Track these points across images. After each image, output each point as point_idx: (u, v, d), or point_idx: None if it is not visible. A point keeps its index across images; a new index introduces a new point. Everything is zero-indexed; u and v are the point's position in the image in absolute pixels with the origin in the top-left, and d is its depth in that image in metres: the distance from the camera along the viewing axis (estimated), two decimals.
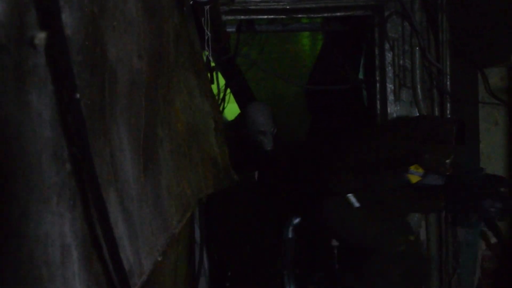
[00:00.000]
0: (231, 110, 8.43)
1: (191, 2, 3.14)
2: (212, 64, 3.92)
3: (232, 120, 5.62)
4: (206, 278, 3.94)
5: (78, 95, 0.99)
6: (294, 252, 5.14)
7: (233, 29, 4.81)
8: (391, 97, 4.28)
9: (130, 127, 1.69)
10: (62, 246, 1.06)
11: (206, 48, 3.31)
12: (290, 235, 5.03)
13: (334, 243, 5.08)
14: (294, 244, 5.12)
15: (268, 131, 4.87)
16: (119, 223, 1.51)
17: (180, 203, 2.43)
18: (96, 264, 1.30)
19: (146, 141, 1.90)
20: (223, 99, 5.02)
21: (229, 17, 4.38)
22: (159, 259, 1.86)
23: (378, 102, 4.44)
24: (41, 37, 0.90)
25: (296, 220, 5.00)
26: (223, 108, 5.15)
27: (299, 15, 4.45)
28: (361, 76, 5.21)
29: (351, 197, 3.88)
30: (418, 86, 4.20)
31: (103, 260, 1.32)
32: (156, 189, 2.06)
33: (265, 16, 4.44)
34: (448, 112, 4.08)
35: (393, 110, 4.28)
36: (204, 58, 3.43)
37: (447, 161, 3.32)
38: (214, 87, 4.18)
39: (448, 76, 4.04)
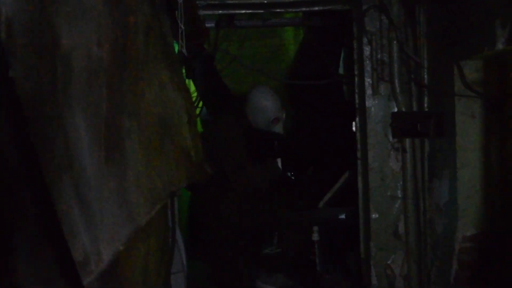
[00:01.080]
0: None
1: None
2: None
3: (227, 115, 5.48)
4: (185, 274, 3.92)
5: (11, 73, 0.97)
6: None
7: (212, 25, 4.79)
8: (369, 91, 4.28)
9: (88, 115, 1.67)
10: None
11: (180, 41, 3.29)
12: None
13: (315, 237, 5.10)
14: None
15: (281, 118, 4.74)
16: (74, 210, 1.49)
17: (150, 195, 2.42)
18: (46, 248, 1.29)
19: (108, 131, 1.89)
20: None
21: (207, 12, 4.37)
22: (121, 248, 1.85)
23: (356, 96, 4.44)
24: None
25: None
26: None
27: (277, 10, 4.43)
28: (341, 70, 5.21)
29: None
30: (396, 80, 4.20)
31: (54, 245, 1.31)
32: (121, 180, 2.04)
33: (243, 11, 4.43)
34: (426, 105, 4.08)
35: (371, 104, 4.28)
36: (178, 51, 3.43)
37: None
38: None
39: (426, 70, 4.05)
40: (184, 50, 3.44)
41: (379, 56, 4.24)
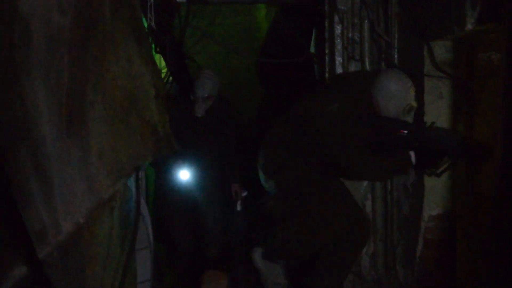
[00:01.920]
0: None
1: None
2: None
3: None
4: (151, 250, 3.90)
5: None
6: (244, 224, 5.14)
7: (184, 0, 4.72)
8: (339, 69, 4.26)
9: (48, 84, 1.64)
10: None
11: (149, 15, 3.25)
12: (239, 208, 5.02)
13: None
14: (243, 217, 5.12)
15: (199, 97, 4.70)
16: (31, 180, 1.46)
17: (114, 169, 2.39)
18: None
19: (70, 102, 1.85)
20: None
21: None
22: (82, 221, 1.82)
23: (327, 75, 4.43)
24: None
25: (245, 194, 4.99)
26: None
27: None
28: (312, 49, 5.18)
29: None
30: (367, 59, 4.19)
31: (8, 216, 1.28)
32: (83, 152, 2.01)
33: None
34: None
35: None
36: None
37: None
38: None
39: (396, 50, 4.04)
40: (153, 24, 3.40)
41: (350, 35, 4.22)
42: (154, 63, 3.13)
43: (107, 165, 2.30)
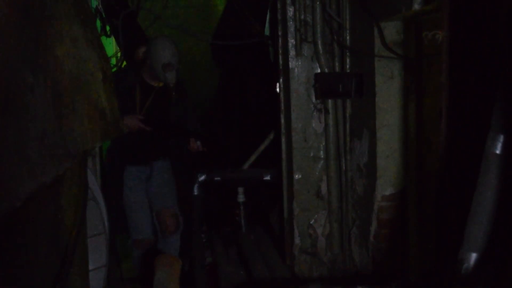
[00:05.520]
0: None
1: None
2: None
3: None
4: (107, 235, 3.87)
5: None
6: (201, 209, 5.14)
7: None
8: (292, 52, 4.27)
9: None
10: None
11: None
12: (196, 192, 5.02)
13: (240, 199, 5.12)
14: (200, 201, 5.12)
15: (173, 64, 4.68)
16: None
17: (58, 153, 2.36)
18: None
19: (3, 83, 1.82)
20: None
21: None
22: (18, 204, 1.79)
23: (280, 57, 4.43)
24: None
25: (202, 177, 4.99)
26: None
27: None
28: (267, 31, 5.18)
29: None
30: (319, 41, 4.20)
31: None
32: (21, 135, 1.98)
33: None
34: (347, 66, 4.10)
35: (295, 65, 4.27)
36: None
37: None
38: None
39: (348, 31, 4.06)
40: (100, 7, 3.35)
41: (302, 16, 4.22)
42: (101, 46, 3.09)
43: (50, 149, 2.27)
